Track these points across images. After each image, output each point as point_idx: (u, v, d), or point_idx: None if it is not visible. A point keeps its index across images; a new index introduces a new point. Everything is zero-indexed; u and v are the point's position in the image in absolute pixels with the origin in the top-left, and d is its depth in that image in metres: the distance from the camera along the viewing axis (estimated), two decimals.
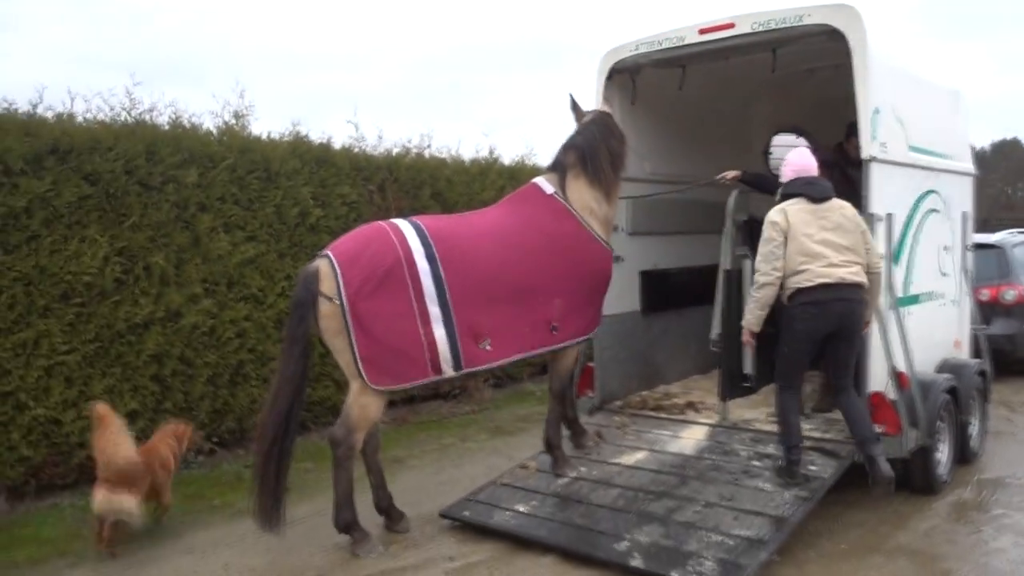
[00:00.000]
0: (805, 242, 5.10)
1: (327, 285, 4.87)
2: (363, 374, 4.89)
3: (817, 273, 5.05)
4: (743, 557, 4.48)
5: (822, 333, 5.13)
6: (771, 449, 5.61)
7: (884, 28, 6.08)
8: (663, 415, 6.58)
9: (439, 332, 4.99)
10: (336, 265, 4.88)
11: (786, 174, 5.45)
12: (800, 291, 5.10)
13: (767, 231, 5.19)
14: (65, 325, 6.08)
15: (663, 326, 7.38)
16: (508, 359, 5.38)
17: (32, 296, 5.92)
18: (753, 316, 5.29)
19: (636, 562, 4.63)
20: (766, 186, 6.11)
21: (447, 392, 9.47)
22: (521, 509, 5.40)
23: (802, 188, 5.28)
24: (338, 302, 4.82)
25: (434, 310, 4.99)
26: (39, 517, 5.88)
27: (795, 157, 5.50)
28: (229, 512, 5.98)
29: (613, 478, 5.58)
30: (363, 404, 5.03)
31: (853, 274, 5.08)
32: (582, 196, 5.69)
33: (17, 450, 5.90)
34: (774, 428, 5.71)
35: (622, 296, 6.91)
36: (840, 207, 5.21)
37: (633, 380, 7.15)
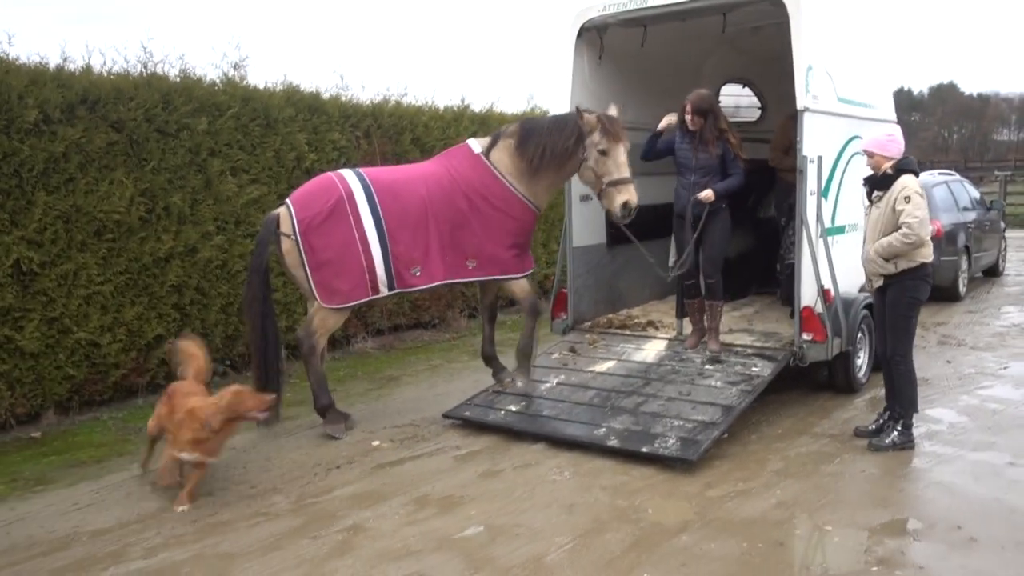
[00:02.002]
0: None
1: (285, 225, 6.00)
2: (316, 296, 6.02)
3: (932, 248, 5.75)
4: (700, 435, 5.55)
5: None
6: (721, 356, 6.66)
7: None
8: (627, 332, 7.60)
9: (377, 258, 6.03)
10: (291, 208, 5.99)
11: (899, 150, 5.77)
12: (927, 263, 5.65)
13: (922, 200, 5.55)
14: (99, 259, 6.79)
15: (625, 257, 8.33)
16: (433, 284, 6.32)
17: (71, 232, 6.61)
18: (888, 253, 5.60)
19: (613, 443, 5.67)
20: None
21: (427, 322, 10.39)
22: (513, 409, 6.40)
23: (913, 166, 5.85)
24: (294, 238, 5.89)
25: (373, 240, 6.01)
26: (86, 427, 6.67)
27: (900, 136, 5.89)
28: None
29: (588, 382, 6.60)
30: (322, 317, 6.18)
31: None
32: (503, 159, 6.45)
33: (63, 369, 6.64)
34: (725, 340, 6.80)
35: (591, 231, 7.86)
36: None
37: (600, 304, 8.14)
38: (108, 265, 6.87)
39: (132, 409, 7.07)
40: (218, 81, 7.95)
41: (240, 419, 5.02)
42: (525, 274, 6.58)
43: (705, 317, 6.87)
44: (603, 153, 6.29)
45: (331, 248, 5.93)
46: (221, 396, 4.93)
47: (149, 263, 7.15)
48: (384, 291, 6.14)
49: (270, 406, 5.18)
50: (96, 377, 6.90)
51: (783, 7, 6.34)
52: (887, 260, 5.64)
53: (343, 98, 9.26)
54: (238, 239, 7.89)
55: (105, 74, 7.04)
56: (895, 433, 5.76)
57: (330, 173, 6.30)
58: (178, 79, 7.55)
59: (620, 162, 6.31)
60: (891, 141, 5.79)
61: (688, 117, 6.49)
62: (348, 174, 6.21)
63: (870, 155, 5.80)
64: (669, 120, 6.67)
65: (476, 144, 6.61)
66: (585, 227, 7.82)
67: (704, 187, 6.46)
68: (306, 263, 5.94)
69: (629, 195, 6.29)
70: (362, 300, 6.17)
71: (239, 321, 8.01)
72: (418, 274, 6.18)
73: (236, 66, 8.25)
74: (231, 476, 5.52)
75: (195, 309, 7.60)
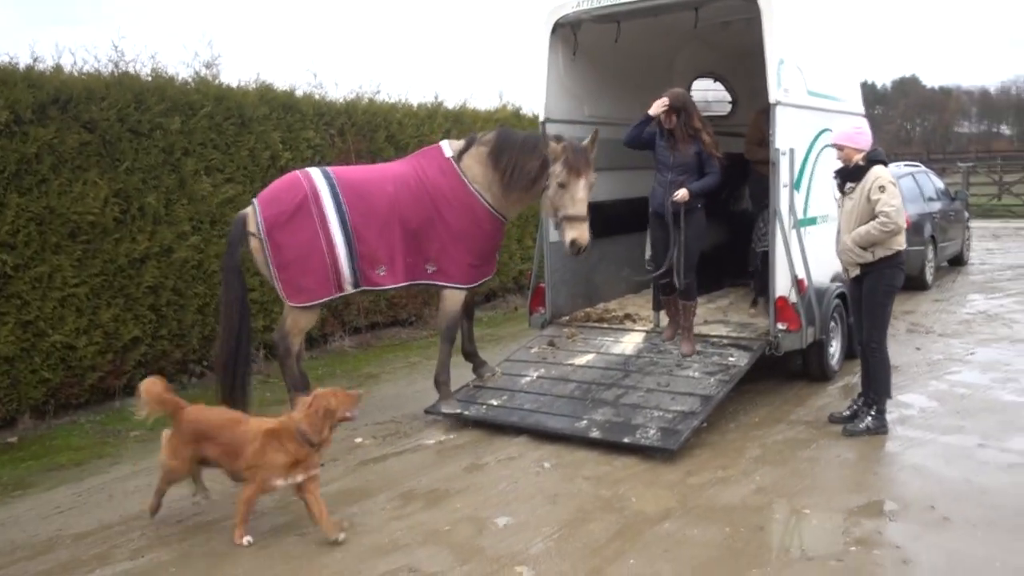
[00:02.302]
0: None
1: (252, 225, 5.98)
2: (282, 294, 6.05)
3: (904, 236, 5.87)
4: (679, 425, 5.64)
5: None
6: (698, 347, 6.76)
7: None
8: (605, 325, 7.68)
9: (342, 256, 6.00)
10: (257, 207, 5.97)
11: (868, 142, 5.90)
12: (901, 251, 5.80)
13: (896, 189, 5.70)
14: (74, 260, 6.73)
15: (601, 252, 8.40)
16: (396, 285, 6.32)
17: (45, 234, 6.54)
18: (866, 242, 5.73)
19: (595, 434, 5.75)
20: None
21: (404, 319, 10.40)
22: (494, 403, 6.45)
23: (883, 156, 5.96)
24: (260, 236, 5.89)
25: (338, 238, 5.97)
26: (63, 431, 6.61)
27: (867, 128, 6.02)
28: None
29: (568, 375, 6.66)
30: (294, 317, 6.18)
31: None
32: (473, 167, 6.36)
33: (39, 373, 6.58)
34: (700, 331, 6.91)
35: None
36: None
37: (578, 299, 8.21)
38: (83, 267, 6.80)
39: (109, 412, 7.02)
40: (191, 80, 7.91)
41: (337, 422, 4.53)
42: (468, 286, 6.44)
43: (680, 317, 6.83)
44: (562, 186, 6.14)
45: (296, 246, 5.91)
46: (313, 407, 4.40)
47: (124, 264, 7.10)
48: (349, 289, 6.12)
49: (360, 401, 4.68)
50: (72, 380, 6.84)
51: (754, 2, 6.45)
52: (864, 249, 5.76)
53: (317, 96, 9.24)
54: (214, 239, 7.85)
55: (76, 74, 6.98)
56: (869, 418, 5.90)
57: (297, 172, 6.24)
58: (150, 78, 7.50)
59: (577, 198, 6.14)
60: (859, 133, 5.94)
61: (663, 114, 6.45)
62: (315, 172, 6.15)
63: (840, 148, 5.94)
64: (662, 104, 6.33)
65: (448, 147, 6.51)
66: None
67: (680, 186, 6.36)
68: (271, 261, 5.92)
69: (578, 234, 6.14)
70: (328, 298, 6.14)
71: (216, 322, 7.96)
72: (383, 274, 6.16)
73: (209, 65, 8.21)
74: (215, 476, 5.50)
75: (171, 310, 7.55)
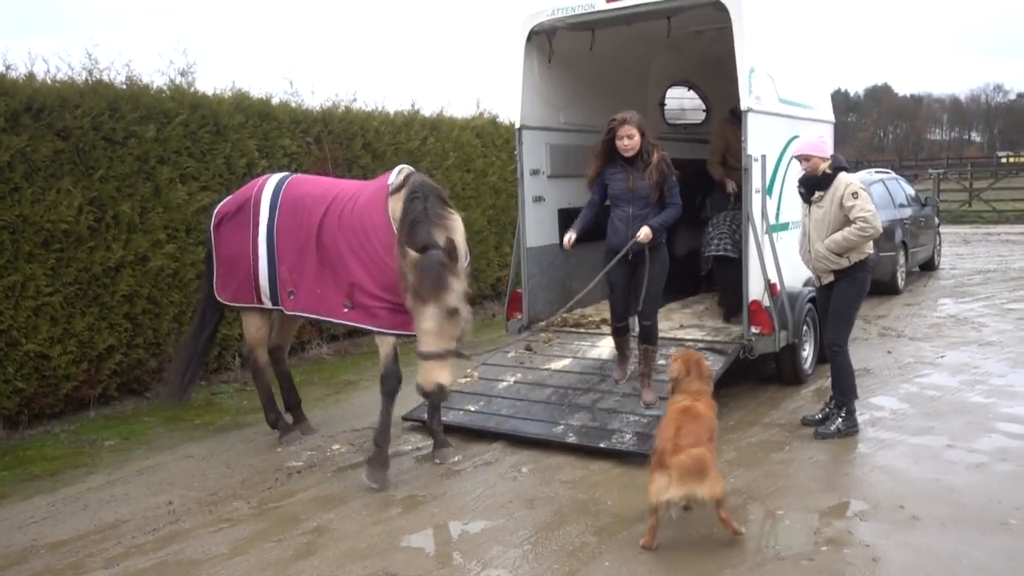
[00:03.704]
0: None
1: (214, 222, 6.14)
2: (214, 286, 6.11)
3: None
4: (655, 429, 5.66)
5: None
6: (672, 350, 6.81)
7: None
8: (582, 330, 7.74)
9: (263, 271, 5.86)
10: (219, 205, 6.17)
11: (831, 149, 6.04)
12: (871, 255, 5.93)
13: (867, 194, 5.80)
14: (48, 269, 6.67)
15: (578, 257, 8.46)
16: (307, 315, 5.80)
17: (18, 243, 6.48)
18: (842, 248, 5.78)
19: (571, 439, 5.79)
20: None
21: None
22: (471, 408, 6.48)
23: (844, 163, 6.06)
24: (211, 224, 6.12)
25: (262, 250, 5.84)
26: (37, 441, 6.54)
27: (828, 136, 6.13)
28: (212, 428, 6.82)
29: (545, 380, 6.71)
30: (247, 323, 6.24)
31: None
32: (397, 209, 5.25)
33: (12, 382, 6.50)
34: (676, 335, 6.98)
35: (545, 231, 8.00)
36: None
37: (554, 304, 8.24)
38: (57, 276, 6.75)
39: (84, 422, 6.96)
40: (166, 88, 7.87)
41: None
42: (394, 331, 5.39)
43: (640, 362, 6.21)
44: (411, 307, 5.00)
45: (230, 245, 6.00)
46: (697, 372, 4.69)
47: (99, 273, 7.05)
48: (269, 304, 5.93)
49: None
50: (46, 390, 6.77)
51: (725, 11, 6.55)
52: (840, 255, 5.84)
53: (293, 104, 9.23)
54: (189, 247, 7.81)
55: (49, 82, 6.93)
56: (839, 420, 5.99)
57: (264, 176, 6.25)
58: (124, 86, 7.46)
59: (423, 329, 4.86)
60: (823, 142, 6.07)
61: (622, 141, 5.79)
62: (272, 179, 6.03)
63: (806, 159, 5.95)
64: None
65: (395, 175, 5.49)
66: (538, 228, 7.95)
67: (644, 220, 5.79)
68: (214, 252, 6.09)
69: (422, 376, 4.85)
70: (249, 305, 6.05)
71: None
72: (292, 298, 5.78)
73: (184, 72, 8.17)
74: (191, 484, 5.49)
75: (147, 319, 7.50)
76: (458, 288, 4.91)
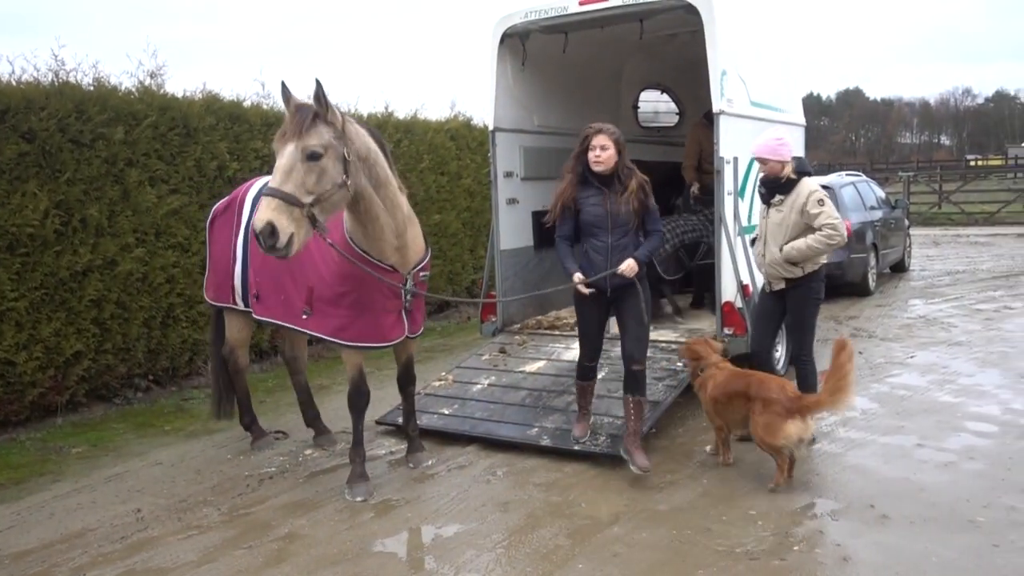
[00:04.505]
0: None
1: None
2: (205, 284, 6.15)
3: None
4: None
5: None
6: (648, 353, 6.83)
7: None
8: (556, 332, 7.74)
9: (237, 271, 5.81)
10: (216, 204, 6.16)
11: (790, 152, 5.77)
12: (824, 266, 5.82)
13: (830, 200, 5.69)
14: (13, 274, 6.55)
15: (553, 260, 8.45)
16: (272, 320, 5.62)
17: None
18: (806, 256, 5.63)
19: (545, 442, 5.78)
20: None
21: None
22: (445, 411, 6.44)
23: (808, 167, 5.95)
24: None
25: (239, 252, 5.79)
26: (2, 449, 6.39)
27: (787, 139, 5.85)
28: (183, 434, 6.72)
29: (520, 383, 6.69)
30: (228, 323, 6.16)
31: None
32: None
33: None
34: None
35: (519, 233, 7.99)
36: None
37: (529, 307, 8.26)
38: (22, 280, 6.63)
39: (51, 429, 6.84)
40: (134, 89, 7.76)
41: None
42: (350, 344, 5.14)
43: (625, 418, 5.40)
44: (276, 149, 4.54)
45: (217, 244, 5.99)
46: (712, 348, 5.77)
47: (66, 277, 6.93)
48: (242, 306, 5.85)
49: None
50: (11, 397, 6.65)
51: (698, 15, 6.59)
52: (795, 264, 5.68)
53: (265, 106, 9.15)
54: (159, 251, 7.72)
55: (14, 83, 6.80)
56: None
57: (257, 176, 6.21)
58: (92, 88, 7.34)
59: (276, 166, 4.40)
60: (781, 145, 5.74)
61: (595, 152, 5.06)
62: (260, 181, 5.86)
63: (764, 162, 5.78)
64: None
65: None
66: (512, 230, 7.95)
67: (625, 250, 5.13)
68: (208, 250, 6.11)
69: (265, 215, 4.22)
70: (226, 305, 5.99)
71: (162, 335, 7.84)
72: (257, 301, 5.66)
73: (153, 74, 8.07)
74: (160, 491, 5.41)
75: (116, 324, 7.39)
76: (325, 136, 4.42)
